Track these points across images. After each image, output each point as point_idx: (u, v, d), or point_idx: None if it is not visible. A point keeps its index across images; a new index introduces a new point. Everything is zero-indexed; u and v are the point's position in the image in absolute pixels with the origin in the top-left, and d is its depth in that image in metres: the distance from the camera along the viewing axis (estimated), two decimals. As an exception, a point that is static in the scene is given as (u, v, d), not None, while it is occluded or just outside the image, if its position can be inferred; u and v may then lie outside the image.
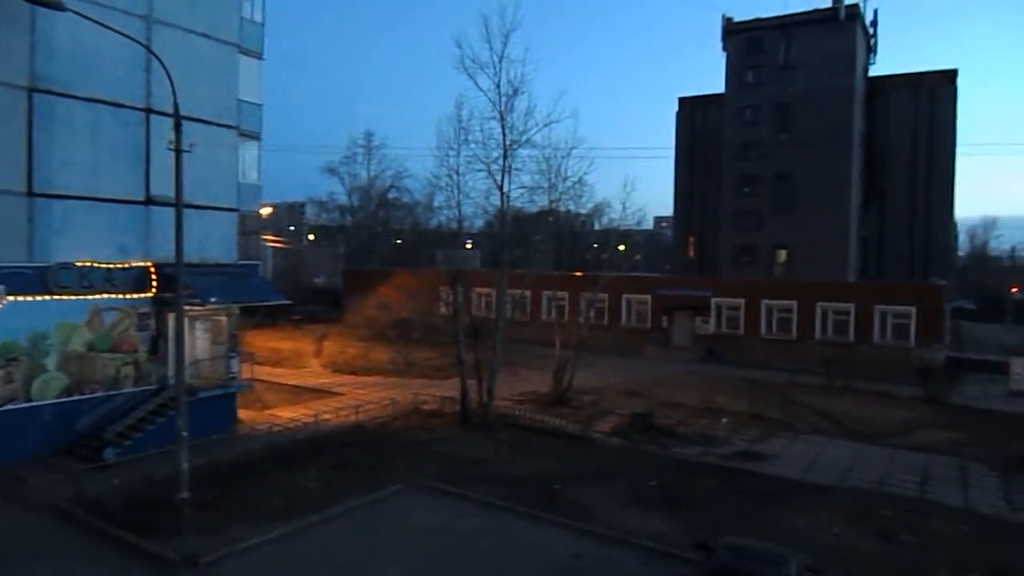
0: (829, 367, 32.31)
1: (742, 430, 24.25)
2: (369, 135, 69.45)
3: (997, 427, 25.37)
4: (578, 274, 42.33)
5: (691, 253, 60.50)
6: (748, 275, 47.98)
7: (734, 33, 55.52)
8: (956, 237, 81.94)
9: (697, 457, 20.90)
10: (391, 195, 70.64)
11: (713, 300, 41.87)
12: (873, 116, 55.70)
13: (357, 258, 66.97)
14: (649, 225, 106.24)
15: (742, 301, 41.01)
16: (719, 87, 56.63)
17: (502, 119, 24.47)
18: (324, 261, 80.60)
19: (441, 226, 45.79)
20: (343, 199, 71.40)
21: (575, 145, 28.25)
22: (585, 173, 29.19)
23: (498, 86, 24.27)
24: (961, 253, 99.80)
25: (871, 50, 56.93)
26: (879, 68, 57.80)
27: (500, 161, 24.73)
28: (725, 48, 56.10)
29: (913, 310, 36.82)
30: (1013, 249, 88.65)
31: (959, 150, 54.58)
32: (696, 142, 60.88)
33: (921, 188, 54.34)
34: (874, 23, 56.27)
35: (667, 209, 67.30)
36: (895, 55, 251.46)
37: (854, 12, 52.09)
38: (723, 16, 56.10)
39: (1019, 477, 19.73)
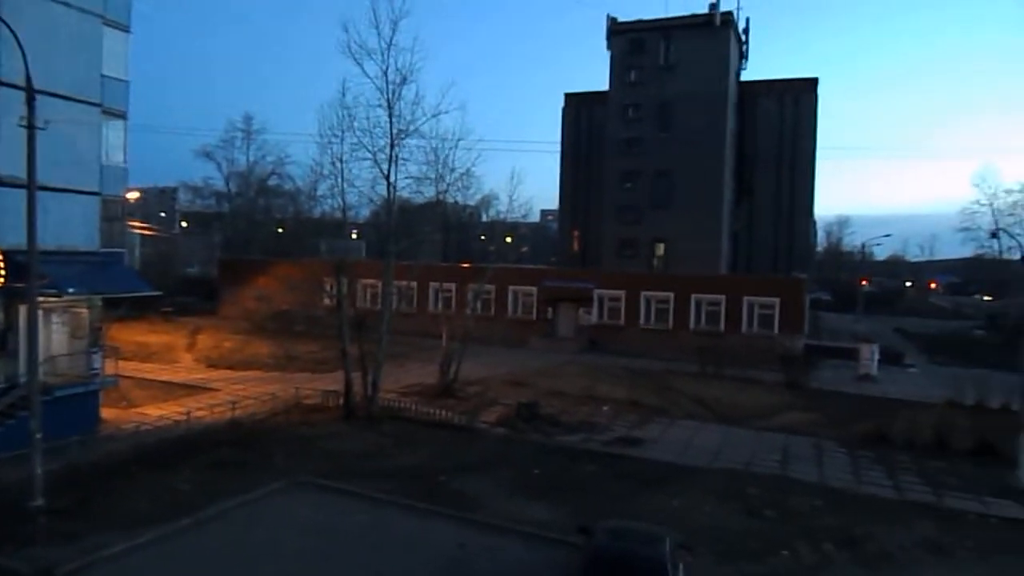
0: (702, 355, 34.15)
1: (622, 417, 25.23)
2: (248, 118, 66.59)
3: (847, 408, 27.72)
4: (465, 266, 42.49)
5: (576, 246, 62.00)
6: (629, 268, 49.79)
7: (618, 33, 57.21)
8: (815, 234, 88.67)
9: (580, 444, 21.56)
10: (272, 182, 68.00)
11: (596, 292, 43.23)
12: (744, 118, 59.09)
13: (235, 247, 63.89)
14: (536, 218, 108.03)
15: (623, 293, 42.58)
16: (605, 84, 58.26)
17: (389, 108, 24.11)
18: (198, 250, 76.49)
19: (325, 215, 44.49)
20: (220, 185, 67.99)
21: (463, 136, 28.29)
22: (473, 165, 29.32)
23: (385, 73, 23.89)
24: (819, 249, 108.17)
25: (743, 56, 60.29)
26: (750, 73, 61.29)
27: (387, 151, 24.37)
28: (610, 47, 57.75)
29: (777, 302, 39.58)
30: (863, 245, 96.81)
31: (819, 153, 58.84)
32: (582, 138, 62.36)
33: (786, 187, 58.19)
34: (746, 31, 59.62)
35: (554, 202, 68.55)
36: (765, 62, 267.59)
37: (728, 19, 54.97)
38: (608, 16, 57.72)
39: (865, 453, 21.70)
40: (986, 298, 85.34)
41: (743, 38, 59.29)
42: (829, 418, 25.92)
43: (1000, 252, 60.53)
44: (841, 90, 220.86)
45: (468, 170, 29.06)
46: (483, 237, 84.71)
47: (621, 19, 57.51)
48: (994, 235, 57.37)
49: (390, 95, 23.99)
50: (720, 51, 54.72)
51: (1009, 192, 56.56)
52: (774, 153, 58.24)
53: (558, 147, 63.82)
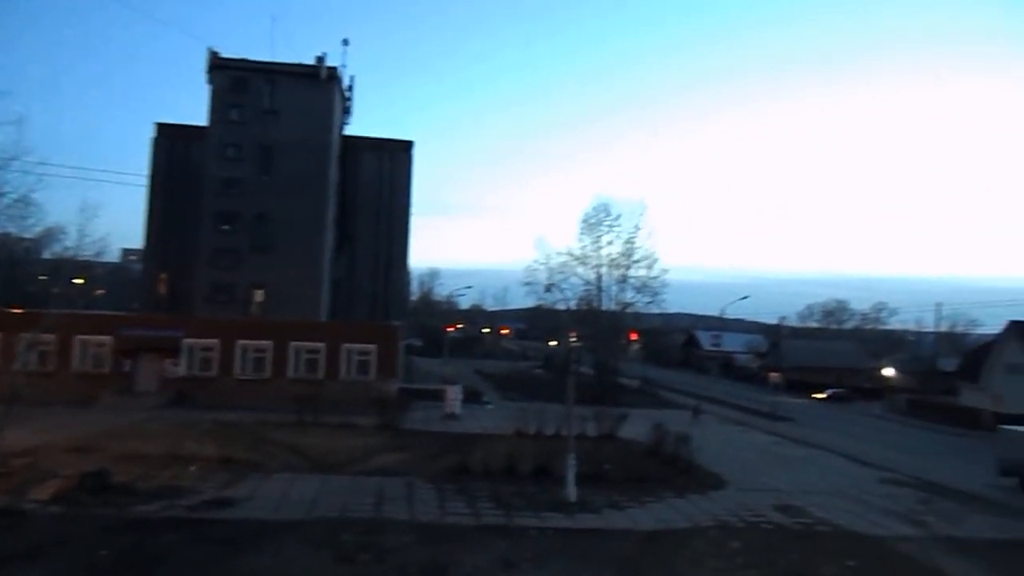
0: (300, 404, 33.67)
1: (212, 476, 23.27)
2: None
3: (435, 445, 29.98)
4: (17, 311, 35.21)
5: (163, 290, 56.23)
6: (225, 314, 46.94)
7: (220, 68, 54.67)
8: (410, 283, 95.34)
9: (160, 513, 19.18)
10: None
11: (185, 341, 39.67)
12: (346, 170, 61.24)
13: None
14: (116, 257, 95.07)
15: (217, 341, 39.92)
16: (204, 119, 54.77)
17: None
18: None
19: None
20: None
21: (17, 155, 23.64)
22: (32, 191, 24.64)
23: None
24: (413, 298, 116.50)
25: (347, 111, 62.75)
26: (353, 128, 64.03)
27: None
28: (210, 82, 54.77)
29: (374, 348, 41.29)
30: (450, 295, 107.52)
31: (413, 208, 63.86)
32: (175, 173, 57.34)
33: (384, 238, 61.62)
34: (351, 88, 62.31)
35: (138, 241, 61.25)
36: (368, 119, 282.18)
37: (333, 74, 56.81)
38: (209, 49, 54.80)
39: (449, 485, 23.63)
40: (551, 343, 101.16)
41: (347, 94, 61.79)
42: (420, 456, 27.67)
43: (554, 303, 72.53)
44: (433, 153, 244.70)
45: (25, 196, 24.35)
46: (44, 277, 71.32)
47: (224, 54, 55.09)
48: (548, 289, 68.76)
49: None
50: (325, 103, 56.11)
51: (560, 254, 68.25)
52: (374, 206, 61.38)
53: (147, 181, 57.62)
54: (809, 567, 17.50)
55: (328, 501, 21.14)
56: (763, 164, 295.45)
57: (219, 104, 54.51)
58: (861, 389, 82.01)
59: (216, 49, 55.02)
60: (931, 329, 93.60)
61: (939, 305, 78.18)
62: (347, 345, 41.02)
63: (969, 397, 64.78)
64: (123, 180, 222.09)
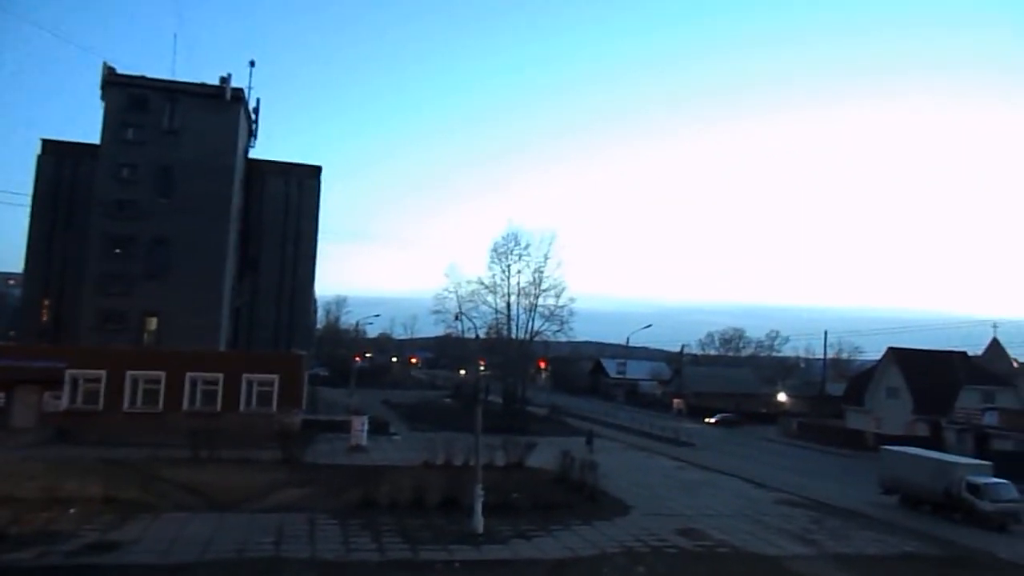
0: (196, 438, 31.95)
1: (95, 518, 21.66)
2: None
3: (339, 479, 29.05)
4: None
5: (45, 317, 52.44)
6: (114, 343, 44.20)
7: (116, 85, 52.14)
8: (316, 311, 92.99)
9: (35, 560, 17.67)
10: None
11: (68, 372, 37.04)
12: (251, 194, 59.38)
13: None
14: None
15: (104, 373, 37.52)
16: (97, 137, 51.93)
17: None
18: None
19: None
20: None
21: None
22: None
23: None
24: (319, 326, 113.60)
25: (252, 134, 61.04)
26: (258, 152, 62.33)
27: None
28: (104, 98, 52.13)
29: (276, 378, 39.85)
30: (358, 324, 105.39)
31: (320, 236, 62.42)
32: (63, 192, 53.90)
33: (289, 265, 59.90)
34: (256, 110, 60.68)
35: (18, 264, 57.06)
36: (273, 143, 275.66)
37: (239, 96, 55.21)
38: (104, 64, 52.22)
39: (354, 521, 22.94)
40: (460, 372, 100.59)
41: (253, 116, 60.21)
42: (323, 491, 26.75)
43: (463, 332, 72.39)
44: (339, 180, 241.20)
45: None
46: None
47: (122, 70, 52.65)
48: (457, 318, 68.65)
49: None
50: (229, 125, 54.42)
51: (470, 282, 68.34)
52: (279, 231, 59.72)
53: (29, 200, 53.89)
54: (710, 589, 17.99)
55: (224, 541, 20.08)
56: (668, 197, 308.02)
57: (114, 122, 51.88)
58: (757, 414, 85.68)
59: (112, 65, 52.54)
60: (820, 356, 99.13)
61: (827, 333, 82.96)
62: (248, 375, 39.41)
63: (855, 420, 68.82)
64: (4, 199, 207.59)
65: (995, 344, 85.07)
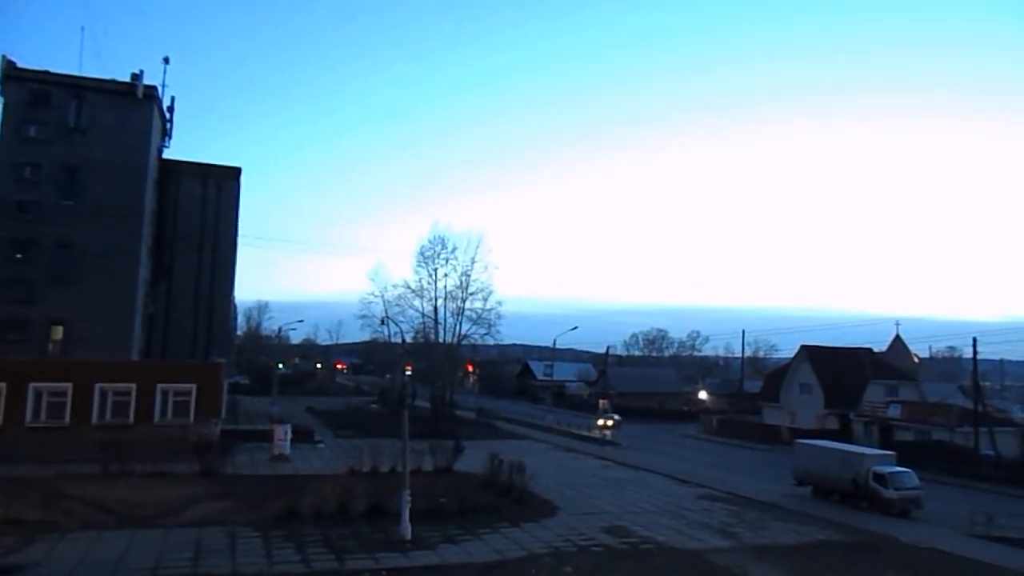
0: (106, 452, 30.38)
1: (-7, 541, 20.32)
2: None
3: (262, 490, 28.21)
4: None
5: (-64, 327, 48.82)
6: (14, 354, 41.54)
7: (15, 80, 49.06)
8: (236, 318, 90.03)
9: (-78, 588, 16.45)
10: None
11: (-36, 385, 34.59)
12: (165, 197, 56.94)
13: None
14: None
15: (3, 386, 35.24)
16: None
17: None
18: None
19: None
20: None
21: None
22: None
23: None
24: (239, 333, 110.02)
25: (166, 133, 58.52)
26: (174, 152, 59.86)
27: None
28: (3, 94, 49.02)
29: (194, 387, 38.35)
30: (280, 330, 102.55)
31: (240, 240, 60.47)
32: (-46, 193, 50.39)
33: (207, 270, 57.72)
34: (171, 109, 58.26)
35: (-97, 270, 52.79)
36: (190, 143, 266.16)
37: (151, 93, 52.83)
38: (3, 58, 49.05)
39: (277, 532, 22.32)
40: (387, 377, 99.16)
41: (167, 115, 57.84)
42: (244, 503, 25.91)
43: (389, 336, 71.51)
44: (261, 185, 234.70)
45: None
46: None
47: (23, 64, 49.60)
48: (383, 322, 67.83)
49: None
50: (142, 123, 52.08)
51: (396, 287, 67.54)
52: (196, 235, 57.53)
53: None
54: (634, 586, 18.37)
55: (137, 560, 19.19)
56: (593, 200, 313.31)
57: (13, 119, 48.77)
58: (680, 412, 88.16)
59: (12, 59, 49.43)
60: (739, 355, 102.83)
61: (744, 332, 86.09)
62: (163, 385, 37.72)
63: (771, 415, 71.75)
64: None
65: (898, 340, 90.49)
